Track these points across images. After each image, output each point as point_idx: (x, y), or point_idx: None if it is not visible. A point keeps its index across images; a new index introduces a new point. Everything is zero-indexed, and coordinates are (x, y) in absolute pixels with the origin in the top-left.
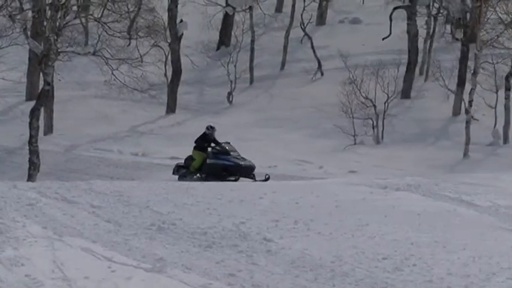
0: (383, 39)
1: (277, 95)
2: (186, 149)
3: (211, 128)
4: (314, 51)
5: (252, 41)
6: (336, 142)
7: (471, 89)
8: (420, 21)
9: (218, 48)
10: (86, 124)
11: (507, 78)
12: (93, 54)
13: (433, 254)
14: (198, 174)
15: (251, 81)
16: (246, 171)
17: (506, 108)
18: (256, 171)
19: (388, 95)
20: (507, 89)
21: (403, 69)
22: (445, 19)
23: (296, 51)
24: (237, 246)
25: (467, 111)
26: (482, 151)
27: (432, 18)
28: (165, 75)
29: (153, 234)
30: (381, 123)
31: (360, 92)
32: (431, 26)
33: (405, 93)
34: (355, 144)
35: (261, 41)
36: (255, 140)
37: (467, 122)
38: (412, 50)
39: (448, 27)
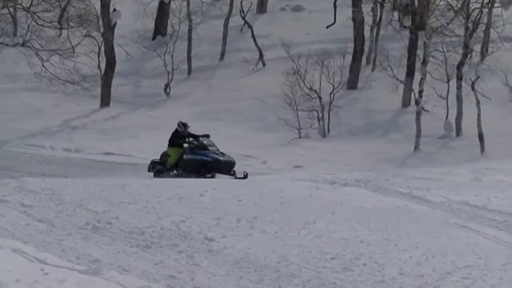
0: (327, 27)
1: (216, 87)
2: (121, 144)
3: (183, 125)
4: (255, 41)
5: (190, 30)
6: (279, 136)
7: (421, 79)
8: (366, 8)
9: (154, 38)
10: (16, 118)
11: (458, 67)
12: (22, 45)
13: (384, 253)
14: (174, 171)
15: (189, 72)
16: (226, 167)
17: (458, 98)
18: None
19: (333, 85)
20: (459, 79)
21: (349, 58)
22: (392, 5)
23: (236, 41)
24: (177, 246)
25: (417, 102)
26: (434, 144)
27: (378, 5)
28: (99, 66)
29: (88, 234)
30: (327, 115)
31: (304, 83)
32: (378, 13)
33: (351, 84)
34: (300, 137)
35: (199, 30)
36: None
37: (418, 114)
38: (358, 39)
39: (396, 14)
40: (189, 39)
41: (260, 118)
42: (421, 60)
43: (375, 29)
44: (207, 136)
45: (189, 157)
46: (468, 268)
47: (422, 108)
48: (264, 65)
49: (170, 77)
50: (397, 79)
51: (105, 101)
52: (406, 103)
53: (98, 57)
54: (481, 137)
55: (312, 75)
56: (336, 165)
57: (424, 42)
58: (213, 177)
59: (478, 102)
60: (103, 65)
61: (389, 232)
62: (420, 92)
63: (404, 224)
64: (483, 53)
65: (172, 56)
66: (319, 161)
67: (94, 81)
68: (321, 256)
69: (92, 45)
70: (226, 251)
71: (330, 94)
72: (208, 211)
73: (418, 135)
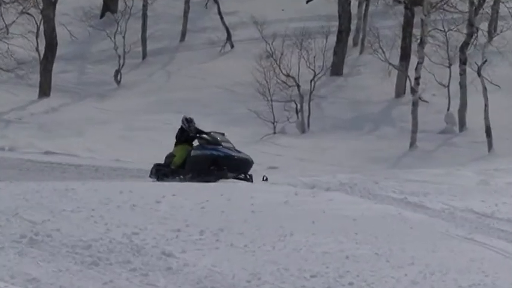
0: (307, 2)
1: (176, 73)
2: (64, 141)
3: (187, 121)
4: (222, 18)
5: (144, 6)
6: (251, 131)
7: (418, 63)
8: None
9: (102, 16)
10: None
11: (462, 49)
12: None
13: (374, 270)
14: (181, 176)
15: (144, 55)
16: (240, 166)
17: (462, 86)
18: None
19: (314, 71)
20: (462, 63)
21: (332, 39)
22: None
23: (199, 19)
24: (129, 262)
25: (413, 91)
26: (434, 140)
27: None
28: (37, 49)
29: (23, 248)
30: (307, 106)
31: (280, 69)
32: None
33: (336, 70)
34: (274, 133)
35: (156, 6)
36: (150, 130)
37: (414, 105)
38: (344, 16)
39: None
40: (144, 17)
41: (228, 110)
42: (418, 41)
43: (364, 4)
44: (222, 134)
45: (197, 153)
46: None
47: (420, 98)
48: (232, 47)
49: (121, 61)
50: (390, 63)
51: (44, 90)
52: (400, 92)
53: (37, 38)
54: (488, 131)
55: (289, 59)
56: (317, 166)
57: (422, 20)
58: (223, 176)
59: (485, 91)
60: (42, 48)
61: (380, 245)
62: (417, 78)
63: (398, 235)
64: (491, 33)
65: (124, 37)
66: (297, 161)
67: (31, 67)
68: (299, 274)
69: (29, 24)
70: (187, 269)
71: (311, 82)
72: (166, 221)
73: (414, 130)
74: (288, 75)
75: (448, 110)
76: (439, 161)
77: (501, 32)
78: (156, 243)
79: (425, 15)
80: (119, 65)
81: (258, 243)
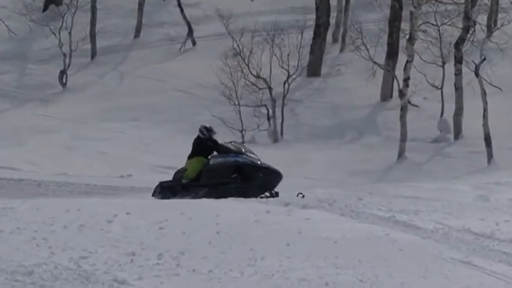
0: None
1: (130, 74)
2: (1, 153)
3: (207, 130)
4: (182, 11)
5: None
6: None
7: (406, 62)
8: None
9: (45, 9)
10: None
11: (457, 45)
12: None
13: None
14: (194, 192)
15: (93, 54)
16: (269, 178)
17: (458, 88)
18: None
19: (288, 72)
20: (458, 61)
21: (309, 35)
22: None
23: (156, 12)
24: None
25: (401, 94)
26: (425, 150)
27: None
28: None
29: None
30: (280, 112)
31: (249, 69)
32: None
33: (313, 70)
34: (243, 142)
35: None
36: (100, 140)
37: (403, 110)
38: (322, 8)
39: None
40: (93, 9)
41: (189, 117)
42: (407, 37)
43: None
44: (242, 144)
45: (218, 160)
46: None
47: (409, 101)
48: (194, 44)
49: (67, 61)
50: (375, 62)
51: None
52: (386, 95)
53: None
54: (488, 140)
55: (260, 57)
56: (292, 180)
57: (411, 13)
58: (243, 191)
59: (483, 93)
60: None
61: (364, 270)
62: (406, 79)
63: (385, 259)
64: (490, 27)
65: (70, 33)
66: None
67: None
68: None
69: None
70: None
71: (284, 84)
72: (118, 243)
73: (403, 139)
74: (258, 77)
75: (441, 115)
76: (431, 174)
77: (502, 26)
78: (108, 269)
79: (415, 7)
80: (65, 65)
81: (224, 269)
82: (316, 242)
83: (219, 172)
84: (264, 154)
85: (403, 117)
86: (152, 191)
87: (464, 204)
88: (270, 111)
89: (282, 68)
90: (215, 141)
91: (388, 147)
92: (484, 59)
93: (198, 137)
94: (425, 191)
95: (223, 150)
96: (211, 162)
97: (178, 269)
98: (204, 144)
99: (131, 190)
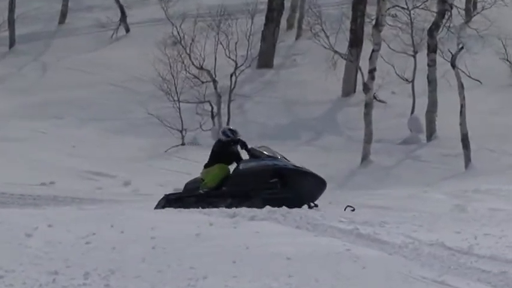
0: None
1: (54, 65)
2: None
3: (232, 132)
4: None
5: None
6: (151, 142)
7: (372, 52)
8: None
9: None
10: None
11: (431, 32)
12: None
13: None
14: (214, 203)
15: (11, 43)
16: (313, 187)
17: (431, 81)
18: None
19: (236, 63)
20: (431, 51)
21: (260, 20)
22: None
23: None
24: None
25: (366, 88)
26: (393, 153)
27: None
28: None
29: None
30: (226, 109)
31: (191, 59)
32: None
33: (265, 60)
34: (183, 144)
35: None
36: (17, 140)
37: (367, 106)
38: None
39: None
40: None
41: (121, 114)
42: (373, 23)
43: None
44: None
45: (250, 165)
46: None
47: (375, 97)
48: (127, 31)
49: None
50: (336, 52)
51: None
52: (349, 89)
53: None
54: (465, 141)
55: (203, 46)
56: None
57: None
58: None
59: (461, 87)
60: None
61: None
62: (371, 71)
63: (346, 278)
64: (469, 11)
65: None
66: None
67: None
68: None
69: None
70: None
71: (231, 76)
72: (39, 261)
73: (367, 140)
74: (201, 68)
75: (412, 112)
76: (400, 180)
77: (482, 9)
78: None
79: None
80: None
81: None
82: (266, 259)
83: (253, 177)
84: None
85: (367, 115)
86: (156, 203)
87: (437, 215)
88: (215, 107)
89: (229, 58)
90: (244, 143)
91: (351, 149)
92: (462, 47)
93: (219, 140)
94: (393, 199)
95: (254, 153)
96: (241, 166)
97: None
98: (227, 148)
99: (54, 200)
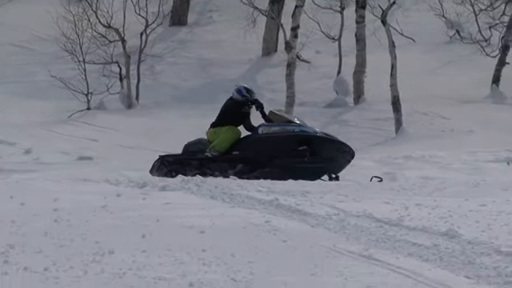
0: None
1: None
2: None
3: (247, 91)
4: None
5: None
6: (54, 106)
7: (295, 7)
8: None
9: None
10: None
11: None
12: None
13: None
14: (220, 168)
15: None
16: (342, 157)
17: (359, 39)
18: None
19: (147, 20)
20: (360, 6)
21: None
22: None
23: None
24: None
25: (288, 47)
26: (318, 116)
27: None
28: None
29: None
30: (135, 71)
31: (97, 17)
32: None
33: (178, 17)
34: (89, 109)
35: None
36: None
37: (290, 66)
38: None
39: None
40: None
41: (22, 77)
42: None
43: None
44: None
45: (272, 130)
46: None
47: (298, 56)
48: None
49: None
50: (255, 7)
51: None
52: (270, 48)
53: None
54: (396, 104)
55: (111, 3)
56: (150, 155)
57: None
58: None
59: (392, 46)
60: None
61: (238, 267)
62: (294, 28)
63: (265, 253)
64: None
65: None
66: (121, 149)
67: None
68: None
69: None
70: None
71: (141, 35)
72: None
73: (290, 103)
74: (108, 26)
75: (338, 73)
76: None
77: None
78: None
79: None
80: None
81: (64, 266)
82: (178, 233)
83: (277, 143)
84: (115, 123)
85: (290, 76)
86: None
87: (365, 184)
88: (123, 69)
89: (139, 15)
90: (261, 104)
91: None
92: (394, 2)
93: (232, 98)
94: None
95: (273, 118)
96: (261, 130)
97: (6, 266)
98: (240, 108)
99: None
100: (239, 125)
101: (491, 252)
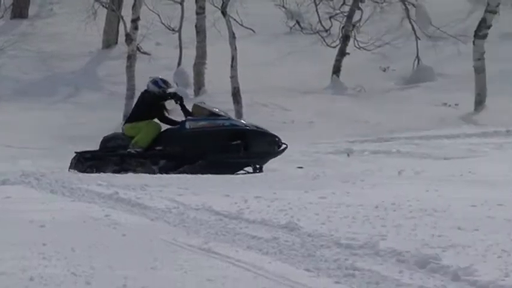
0: None
1: None
2: None
3: (164, 82)
4: None
5: None
6: None
7: (135, 1)
8: None
9: None
10: None
11: None
12: None
13: None
14: (145, 164)
15: None
16: (273, 147)
17: (200, 31)
18: None
19: None
20: None
21: None
22: None
23: None
24: None
25: (129, 39)
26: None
27: None
28: None
29: None
30: None
31: None
32: None
33: (19, 10)
34: None
35: None
36: None
37: (130, 58)
38: None
39: None
40: None
41: None
42: None
43: None
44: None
45: (200, 125)
46: None
47: (138, 48)
48: None
49: None
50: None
51: None
52: (110, 41)
53: None
54: (236, 95)
55: None
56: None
57: None
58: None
59: (232, 37)
60: None
61: (78, 261)
62: (135, 20)
63: (105, 247)
64: None
65: None
66: None
67: None
68: None
69: None
70: None
71: None
72: None
73: (130, 95)
74: None
75: (178, 65)
76: None
77: None
78: None
79: None
80: None
81: None
82: (18, 227)
83: (207, 138)
84: None
85: (130, 68)
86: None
87: (205, 177)
88: None
89: None
90: (181, 98)
91: (114, 107)
92: None
93: (147, 91)
94: None
95: (197, 111)
96: (188, 125)
97: None
98: (158, 101)
99: None
100: (156, 118)
101: (331, 245)
